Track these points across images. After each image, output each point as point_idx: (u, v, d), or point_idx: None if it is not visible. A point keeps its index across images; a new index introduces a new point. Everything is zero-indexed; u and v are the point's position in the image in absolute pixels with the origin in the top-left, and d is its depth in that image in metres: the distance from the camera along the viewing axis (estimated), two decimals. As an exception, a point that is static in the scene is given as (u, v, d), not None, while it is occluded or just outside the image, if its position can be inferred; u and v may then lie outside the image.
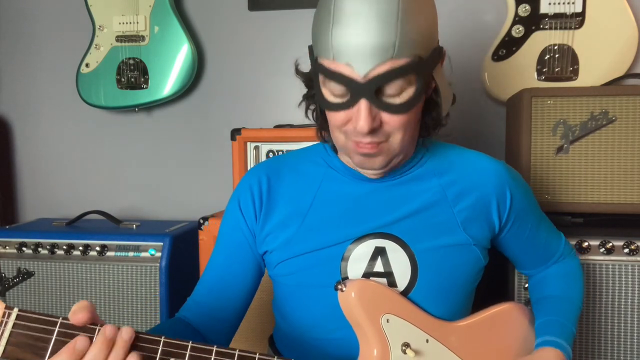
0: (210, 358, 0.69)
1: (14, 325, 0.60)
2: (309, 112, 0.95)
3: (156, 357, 0.66)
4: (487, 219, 0.92)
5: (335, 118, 0.82)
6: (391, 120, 0.80)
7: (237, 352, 0.71)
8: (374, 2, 0.74)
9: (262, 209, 0.93)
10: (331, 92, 0.80)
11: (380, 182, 0.91)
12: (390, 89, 0.77)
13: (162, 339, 0.67)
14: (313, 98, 0.92)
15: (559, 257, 1.05)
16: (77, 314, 0.64)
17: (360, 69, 0.76)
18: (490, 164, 0.95)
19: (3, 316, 0.60)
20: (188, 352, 0.67)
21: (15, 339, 0.60)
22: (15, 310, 0.61)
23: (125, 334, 0.65)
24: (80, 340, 0.62)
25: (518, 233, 0.97)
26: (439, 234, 0.89)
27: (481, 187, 0.93)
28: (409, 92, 0.79)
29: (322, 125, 0.91)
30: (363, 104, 0.77)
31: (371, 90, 0.76)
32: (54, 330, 0.61)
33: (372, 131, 0.79)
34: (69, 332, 0.62)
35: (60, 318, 0.62)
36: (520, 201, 0.95)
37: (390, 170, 0.89)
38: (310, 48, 0.85)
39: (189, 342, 0.68)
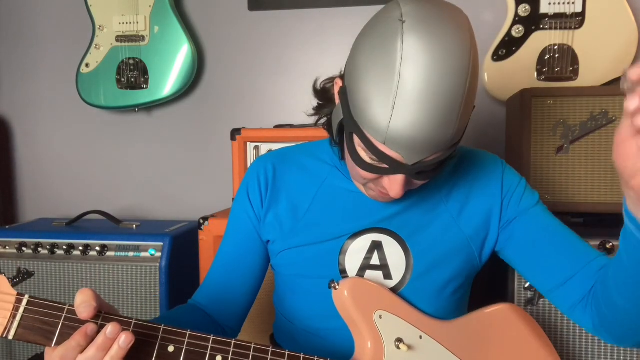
0: (208, 346, 0.72)
1: (25, 311, 0.66)
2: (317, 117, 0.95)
3: (156, 343, 0.70)
4: (485, 212, 0.92)
5: (364, 173, 0.81)
6: (420, 181, 0.81)
7: (233, 341, 0.74)
8: (442, 91, 0.69)
9: (268, 194, 0.95)
10: (369, 156, 0.78)
11: None
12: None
13: (162, 327, 0.71)
14: (324, 109, 0.93)
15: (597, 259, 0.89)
16: (82, 313, 0.66)
17: (410, 159, 0.74)
18: (486, 158, 0.96)
19: (16, 302, 0.66)
20: (186, 340, 0.72)
21: (26, 323, 0.66)
22: (27, 297, 0.67)
23: (123, 342, 0.65)
24: (90, 327, 0.66)
25: (530, 225, 0.91)
26: (434, 229, 0.91)
27: (477, 182, 0.93)
28: (441, 158, 0.77)
29: (336, 139, 0.88)
30: (400, 177, 0.77)
31: (413, 171, 0.76)
32: (62, 316, 0.67)
33: None
34: (75, 318, 0.68)
35: (67, 305, 0.68)
36: (522, 193, 0.93)
37: None
38: (343, 91, 0.79)
39: (187, 331, 0.72)
